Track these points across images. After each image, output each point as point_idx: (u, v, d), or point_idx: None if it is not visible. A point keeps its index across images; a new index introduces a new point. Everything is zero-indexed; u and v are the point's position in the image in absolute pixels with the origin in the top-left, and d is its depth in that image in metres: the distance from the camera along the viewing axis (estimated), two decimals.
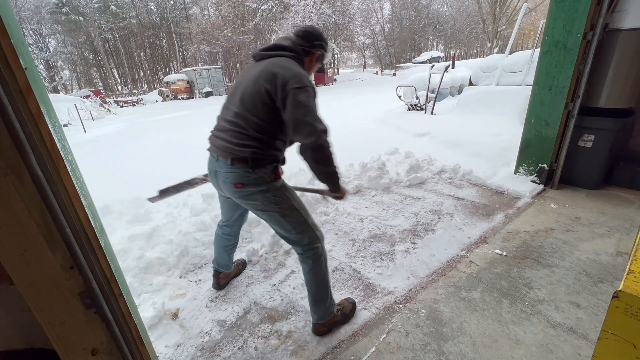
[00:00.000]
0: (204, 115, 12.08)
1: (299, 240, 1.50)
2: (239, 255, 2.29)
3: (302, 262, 1.56)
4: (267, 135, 1.36)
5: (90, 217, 0.83)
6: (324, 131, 1.30)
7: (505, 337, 1.54)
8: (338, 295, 1.91)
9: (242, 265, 2.24)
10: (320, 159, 1.33)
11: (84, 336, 0.85)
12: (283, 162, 1.49)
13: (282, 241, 2.07)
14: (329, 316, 1.62)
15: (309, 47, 1.49)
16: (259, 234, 2.58)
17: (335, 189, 1.50)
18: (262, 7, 24.87)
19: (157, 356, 1.42)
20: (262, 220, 1.93)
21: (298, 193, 1.59)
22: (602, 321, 0.69)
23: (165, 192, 2.31)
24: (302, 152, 1.33)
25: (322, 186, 1.58)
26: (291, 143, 1.49)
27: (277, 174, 1.44)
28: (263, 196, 1.40)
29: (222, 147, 1.39)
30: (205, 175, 2.13)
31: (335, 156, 1.36)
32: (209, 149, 1.51)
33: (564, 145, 2.90)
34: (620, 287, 0.63)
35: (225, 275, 2.06)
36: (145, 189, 3.54)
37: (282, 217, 1.44)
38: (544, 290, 1.81)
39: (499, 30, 26.64)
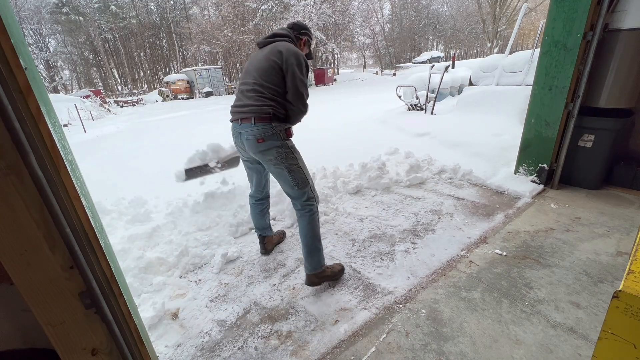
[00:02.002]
0: (204, 115, 12.08)
1: (299, 195, 1.84)
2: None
3: (299, 218, 1.88)
4: (280, 96, 1.76)
5: (90, 217, 0.83)
6: (308, 99, 1.80)
7: (505, 337, 1.54)
8: (338, 295, 1.91)
9: (283, 234, 2.56)
10: (301, 117, 1.84)
11: (84, 336, 0.85)
12: (289, 122, 1.86)
13: None
14: (320, 268, 1.90)
15: (297, 34, 1.96)
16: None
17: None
18: (262, 7, 24.85)
19: (157, 356, 1.42)
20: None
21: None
22: (602, 321, 0.69)
23: (190, 172, 2.69)
24: (291, 109, 1.77)
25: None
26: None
27: (289, 133, 1.83)
28: (277, 151, 1.75)
29: (245, 111, 1.74)
30: (224, 162, 2.72)
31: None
32: (231, 120, 1.86)
33: (564, 145, 2.90)
34: (620, 287, 0.63)
35: (270, 239, 2.37)
36: (145, 189, 3.54)
37: (288, 173, 1.79)
38: (544, 290, 1.81)
39: (499, 30, 26.64)
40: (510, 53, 6.35)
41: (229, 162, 2.85)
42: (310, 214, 1.85)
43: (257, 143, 1.74)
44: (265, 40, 1.88)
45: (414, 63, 29.11)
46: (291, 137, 1.86)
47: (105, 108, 16.32)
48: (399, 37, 40.98)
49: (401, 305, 1.79)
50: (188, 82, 22.97)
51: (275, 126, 1.73)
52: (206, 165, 2.77)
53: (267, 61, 1.74)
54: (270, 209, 2.40)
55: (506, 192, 3.08)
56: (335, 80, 25.31)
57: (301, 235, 1.89)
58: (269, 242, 2.37)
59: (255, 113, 1.71)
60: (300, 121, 1.88)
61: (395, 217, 2.76)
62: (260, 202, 2.25)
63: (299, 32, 1.96)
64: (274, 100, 1.74)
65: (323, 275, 1.92)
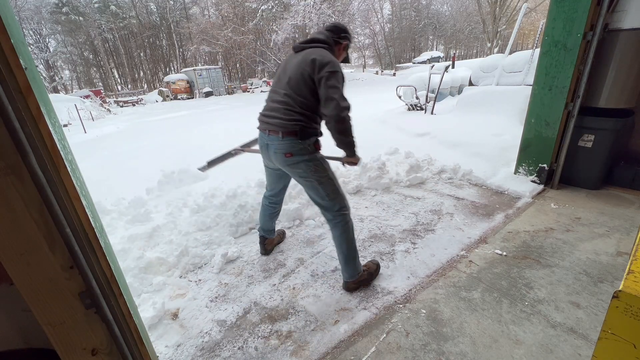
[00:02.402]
0: (204, 115, 12.08)
1: (331, 206, 1.78)
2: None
3: (332, 228, 1.83)
4: (310, 110, 1.66)
5: (90, 217, 0.83)
6: (347, 107, 1.59)
7: (505, 337, 1.54)
8: (338, 295, 1.91)
9: (283, 234, 2.55)
10: (341, 130, 1.64)
11: (84, 336, 0.85)
12: (321, 134, 1.79)
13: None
14: (357, 275, 1.89)
15: (337, 38, 1.81)
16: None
17: (351, 155, 1.82)
18: (262, 7, 24.87)
19: (157, 356, 1.42)
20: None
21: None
22: (602, 321, 0.69)
23: (212, 163, 2.78)
24: (327, 122, 1.64)
25: (340, 154, 1.90)
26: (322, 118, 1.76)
27: (317, 146, 1.74)
28: (306, 165, 1.69)
29: (273, 124, 1.68)
30: (243, 146, 2.63)
31: (353, 128, 1.68)
32: (259, 127, 1.81)
33: (564, 145, 2.90)
34: (620, 287, 0.63)
35: (270, 241, 2.38)
36: (145, 189, 3.54)
37: (319, 185, 1.73)
38: (544, 290, 1.81)
39: (499, 30, 26.63)
40: (510, 53, 6.35)
41: (250, 145, 2.77)
42: (343, 223, 1.81)
43: (284, 157, 1.69)
44: (301, 45, 1.77)
45: (414, 63, 29.10)
46: (319, 150, 1.76)
47: (105, 108, 16.32)
48: (399, 37, 40.97)
49: (401, 305, 1.79)
50: (188, 82, 22.98)
51: (303, 141, 1.67)
52: (228, 153, 2.79)
53: (299, 70, 1.65)
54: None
55: (506, 192, 3.08)
56: None
57: (336, 244, 1.86)
58: (269, 243, 2.38)
59: (283, 127, 1.65)
60: (344, 138, 1.69)
61: (395, 217, 2.76)
62: (274, 205, 2.22)
63: (338, 36, 1.82)
64: (303, 115, 1.65)
65: (360, 280, 1.92)
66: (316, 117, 1.70)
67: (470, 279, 1.94)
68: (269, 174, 2.08)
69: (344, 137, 1.69)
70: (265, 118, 1.76)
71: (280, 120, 1.66)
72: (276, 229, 2.49)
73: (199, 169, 2.68)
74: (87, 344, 0.86)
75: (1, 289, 0.91)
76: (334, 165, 2.00)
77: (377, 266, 2.04)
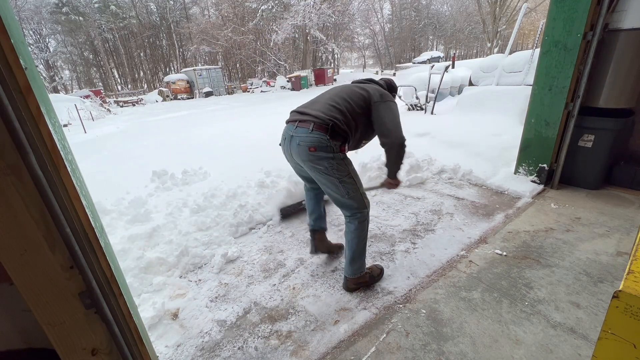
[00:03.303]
0: (204, 115, 12.08)
1: (350, 204, 1.79)
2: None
3: (348, 223, 1.84)
4: (351, 115, 1.72)
5: (90, 217, 0.83)
6: (404, 139, 1.77)
7: (505, 337, 1.54)
8: (338, 295, 1.91)
9: (340, 248, 2.32)
10: (400, 156, 1.82)
11: (84, 336, 0.85)
12: (348, 144, 1.80)
13: None
14: (359, 274, 1.90)
15: (388, 91, 1.96)
16: None
17: (394, 177, 1.96)
18: (262, 7, 24.87)
19: (157, 356, 1.42)
20: None
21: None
22: (602, 321, 0.69)
23: (284, 210, 2.87)
24: (389, 145, 1.77)
25: (378, 183, 2.16)
26: (358, 143, 1.91)
27: (342, 149, 1.74)
28: (329, 162, 1.68)
29: (308, 114, 1.70)
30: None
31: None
32: (287, 120, 1.81)
33: (564, 145, 2.90)
34: (620, 287, 0.63)
35: (322, 235, 2.20)
36: (145, 189, 3.54)
37: (339, 183, 1.73)
38: (544, 290, 1.81)
39: (499, 30, 26.62)
40: (510, 53, 6.35)
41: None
42: (360, 221, 1.81)
43: (308, 151, 1.65)
44: (359, 79, 1.98)
45: (414, 63, 29.05)
46: (344, 152, 1.76)
47: (105, 108, 16.30)
48: (399, 37, 40.96)
49: (401, 305, 1.79)
50: (188, 82, 22.97)
51: (331, 140, 1.64)
52: (299, 204, 2.94)
53: (355, 88, 1.80)
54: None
55: (506, 192, 3.08)
56: (335, 80, 25.29)
57: (347, 239, 1.85)
58: (320, 238, 2.18)
59: (316, 119, 1.64)
60: (399, 162, 1.84)
61: (395, 217, 2.76)
62: (316, 187, 2.11)
63: (390, 90, 1.99)
64: (342, 114, 1.68)
65: (361, 281, 1.92)
66: (353, 126, 1.73)
67: (470, 279, 1.94)
68: (296, 171, 2.04)
69: (399, 161, 1.85)
70: (297, 113, 1.78)
71: (317, 113, 1.67)
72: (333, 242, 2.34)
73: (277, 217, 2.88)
74: (87, 344, 0.86)
75: (1, 289, 0.90)
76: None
77: (381, 271, 2.03)
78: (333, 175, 1.70)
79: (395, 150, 1.77)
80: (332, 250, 2.28)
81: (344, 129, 1.68)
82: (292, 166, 1.98)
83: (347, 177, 1.73)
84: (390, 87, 2.02)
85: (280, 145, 1.88)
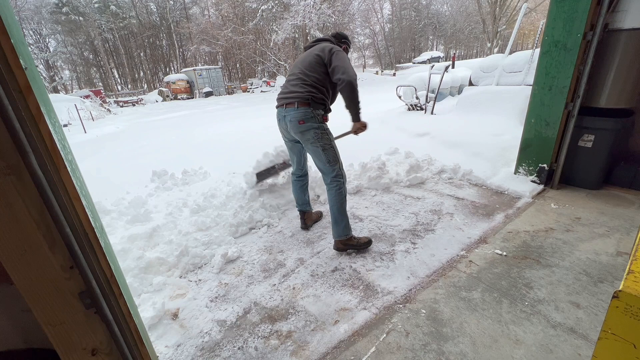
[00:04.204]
0: (204, 115, 12.08)
1: (330, 171, 2.16)
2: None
3: (329, 191, 2.20)
4: (320, 84, 2.07)
5: (90, 217, 0.83)
6: (355, 76, 2.01)
7: (505, 337, 1.54)
8: (339, 295, 1.91)
9: (321, 215, 2.84)
10: (352, 93, 2.03)
11: (84, 336, 0.85)
12: (329, 110, 2.22)
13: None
14: (345, 236, 2.22)
15: (338, 42, 2.30)
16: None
17: (357, 119, 2.17)
18: (262, 7, 24.85)
19: (157, 356, 1.42)
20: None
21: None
22: (602, 321, 0.69)
23: (260, 175, 3.04)
24: (340, 86, 2.01)
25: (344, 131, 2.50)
26: (333, 97, 2.22)
27: (325, 118, 2.15)
28: (315, 132, 2.07)
29: (290, 97, 2.07)
30: (282, 164, 3.19)
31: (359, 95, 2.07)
32: (277, 106, 2.19)
33: (564, 145, 2.89)
34: (620, 287, 0.63)
35: (309, 215, 2.68)
36: (145, 189, 3.54)
37: (322, 151, 2.11)
38: (544, 290, 1.81)
39: (499, 30, 26.62)
40: (510, 53, 6.34)
41: (285, 164, 3.20)
42: (337, 188, 2.17)
43: (298, 124, 2.05)
44: (310, 44, 2.25)
45: (414, 63, 29.10)
46: (326, 122, 2.16)
47: (105, 108, 16.31)
48: (399, 37, 40.95)
49: (401, 305, 1.79)
50: (188, 82, 22.98)
51: (314, 111, 2.04)
52: (273, 167, 3.10)
53: (311, 56, 2.09)
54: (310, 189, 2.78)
55: (506, 192, 3.08)
56: None
57: (330, 205, 2.21)
58: (309, 217, 2.67)
59: (298, 99, 2.03)
60: (353, 97, 2.06)
61: (395, 217, 2.76)
62: (301, 178, 2.57)
63: (339, 40, 2.31)
64: (314, 87, 2.05)
65: (348, 243, 2.23)
66: (324, 91, 2.09)
67: (470, 279, 1.94)
68: (290, 149, 2.44)
69: (354, 97, 2.05)
70: (282, 95, 2.14)
71: (296, 93, 2.05)
72: (314, 210, 2.80)
73: (248, 185, 3.07)
74: (87, 344, 0.86)
75: (1, 289, 0.91)
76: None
77: (369, 240, 2.31)
78: (318, 143, 2.09)
79: (349, 87, 2.00)
80: (317, 219, 2.78)
81: (320, 96, 2.07)
82: (286, 144, 2.43)
83: (329, 147, 2.13)
84: (338, 37, 2.33)
85: (278, 126, 2.27)
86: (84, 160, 5.70)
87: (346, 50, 2.30)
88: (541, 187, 3.08)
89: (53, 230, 0.74)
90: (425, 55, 29.58)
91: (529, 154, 3.13)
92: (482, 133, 4.45)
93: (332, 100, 2.24)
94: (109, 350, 0.91)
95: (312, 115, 2.04)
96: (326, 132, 2.13)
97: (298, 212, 2.69)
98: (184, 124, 10.12)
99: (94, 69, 33.95)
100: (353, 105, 2.10)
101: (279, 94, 2.18)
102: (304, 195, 2.61)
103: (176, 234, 2.58)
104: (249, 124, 8.13)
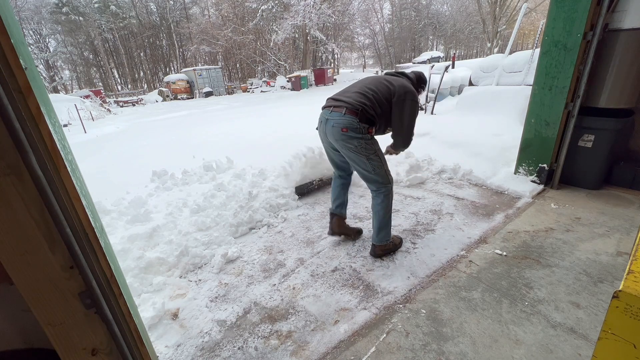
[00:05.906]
0: (204, 115, 12.07)
1: (376, 179, 2.06)
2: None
3: (374, 197, 2.13)
4: (379, 108, 1.97)
5: (90, 217, 0.83)
6: (410, 143, 2.15)
7: (505, 337, 1.54)
8: (338, 295, 1.91)
9: (358, 233, 2.53)
10: (404, 148, 2.21)
11: (84, 336, 0.85)
12: (375, 127, 2.05)
13: None
14: (386, 241, 2.18)
15: (417, 86, 2.23)
16: None
17: (397, 150, 2.32)
18: (262, 7, 24.85)
19: (157, 356, 1.42)
20: None
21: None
22: (602, 321, 0.69)
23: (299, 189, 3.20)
24: (395, 142, 2.16)
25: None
26: (380, 129, 2.09)
27: (370, 131, 1.98)
28: (358, 142, 1.94)
29: (341, 101, 1.96)
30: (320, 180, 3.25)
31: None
32: (323, 107, 2.07)
33: (564, 145, 2.90)
34: (620, 287, 0.63)
35: (339, 220, 2.39)
36: (145, 189, 3.54)
37: (367, 160, 1.99)
38: (544, 290, 1.81)
39: (499, 30, 26.60)
40: (510, 53, 6.35)
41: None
42: (385, 194, 2.09)
43: (341, 131, 1.92)
44: (390, 72, 2.20)
45: (414, 63, 29.03)
46: (371, 134, 2.01)
47: (105, 108, 16.30)
48: (399, 37, 40.92)
49: (401, 305, 1.79)
50: (188, 82, 22.97)
51: (360, 122, 1.91)
52: (311, 183, 3.32)
53: (383, 83, 2.02)
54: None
55: (506, 192, 3.08)
56: (335, 80, 25.29)
57: (374, 212, 2.14)
58: (337, 223, 2.38)
59: (348, 105, 1.92)
60: (402, 150, 2.23)
61: (395, 217, 2.76)
62: (345, 177, 2.39)
63: (418, 85, 2.25)
64: (370, 101, 1.94)
65: (387, 248, 2.20)
66: (376, 116, 1.97)
67: (470, 279, 1.94)
68: (330, 156, 2.29)
69: (402, 150, 2.25)
70: (332, 100, 2.05)
71: (349, 100, 1.95)
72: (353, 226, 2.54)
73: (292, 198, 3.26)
74: (87, 344, 0.86)
75: (1, 289, 0.91)
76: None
77: (401, 240, 2.33)
78: (361, 153, 1.96)
79: (399, 147, 2.18)
80: (349, 234, 2.47)
81: (371, 113, 1.94)
82: (325, 149, 2.26)
83: (374, 155, 1.99)
84: (420, 80, 2.25)
85: (317, 129, 2.14)
86: (84, 160, 5.70)
87: (419, 93, 2.21)
88: (541, 187, 3.08)
89: (53, 230, 0.74)
90: (425, 55, 29.54)
91: (529, 154, 3.13)
92: (482, 133, 4.44)
93: (383, 130, 2.12)
94: (109, 350, 0.91)
95: (357, 125, 1.90)
96: (371, 141, 1.98)
97: (328, 215, 2.46)
98: (184, 124, 10.12)
99: (94, 69, 33.92)
100: (399, 150, 2.26)
101: (328, 98, 2.08)
102: (343, 194, 2.38)
103: (176, 234, 2.58)
104: (249, 124, 8.13)
